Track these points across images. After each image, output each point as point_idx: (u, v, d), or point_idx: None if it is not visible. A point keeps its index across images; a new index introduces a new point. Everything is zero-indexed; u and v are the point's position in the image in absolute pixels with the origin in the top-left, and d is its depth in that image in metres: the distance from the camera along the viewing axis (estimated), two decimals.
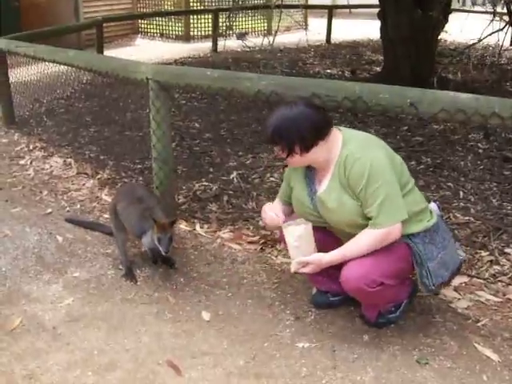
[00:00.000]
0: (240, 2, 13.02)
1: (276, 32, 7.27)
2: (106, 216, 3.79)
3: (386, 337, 2.61)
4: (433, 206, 2.59)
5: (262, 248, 3.37)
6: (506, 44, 10.42)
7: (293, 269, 2.45)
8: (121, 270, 3.13)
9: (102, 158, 4.83)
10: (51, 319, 2.70)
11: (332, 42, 12.78)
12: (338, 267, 2.48)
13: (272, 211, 2.54)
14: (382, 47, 8.85)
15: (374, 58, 10.60)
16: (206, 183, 4.36)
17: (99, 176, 4.38)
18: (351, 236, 2.39)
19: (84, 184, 4.25)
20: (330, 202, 2.38)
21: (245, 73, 3.28)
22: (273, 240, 3.41)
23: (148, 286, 3.01)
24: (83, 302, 2.84)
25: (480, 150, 5.17)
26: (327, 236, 2.54)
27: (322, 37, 12.83)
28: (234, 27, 13.99)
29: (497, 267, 3.18)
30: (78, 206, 3.91)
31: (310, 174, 2.51)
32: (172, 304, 2.84)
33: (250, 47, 11.11)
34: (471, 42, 7.26)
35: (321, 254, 2.38)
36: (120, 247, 3.17)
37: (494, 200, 4.07)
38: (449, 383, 2.33)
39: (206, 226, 3.66)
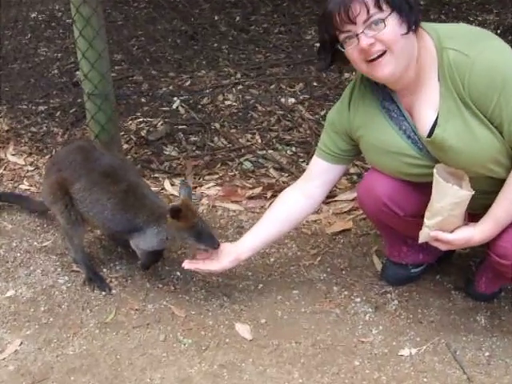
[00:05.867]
0: None
1: None
2: (23, 187, 2.62)
3: (504, 313, 1.86)
4: None
5: (271, 204, 2.35)
6: None
7: (421, 239, 1.59)
8: (78, 272, 2.04)
9: None
10: None
11: None
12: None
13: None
14: None
15: None
16: (146, 119, 3.23)
17: None
18: (484, 188, 1.52)
19: None
20: (451, 137, 1.47)
21: None
22: (281, 189, 2.39)
23: (131, 293, 1.96)
24: (39, 344, 1.75)
25: None
26: None
27: None
28: None
29: None
30: None
31: (389, 105, 1.59)
32: (182, 319, 1.84)
33: None
34: None
35: (470, 234, 1.54)
36: (75, 246, 2.02)
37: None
38: None
39: (176, 181, 2.59)
